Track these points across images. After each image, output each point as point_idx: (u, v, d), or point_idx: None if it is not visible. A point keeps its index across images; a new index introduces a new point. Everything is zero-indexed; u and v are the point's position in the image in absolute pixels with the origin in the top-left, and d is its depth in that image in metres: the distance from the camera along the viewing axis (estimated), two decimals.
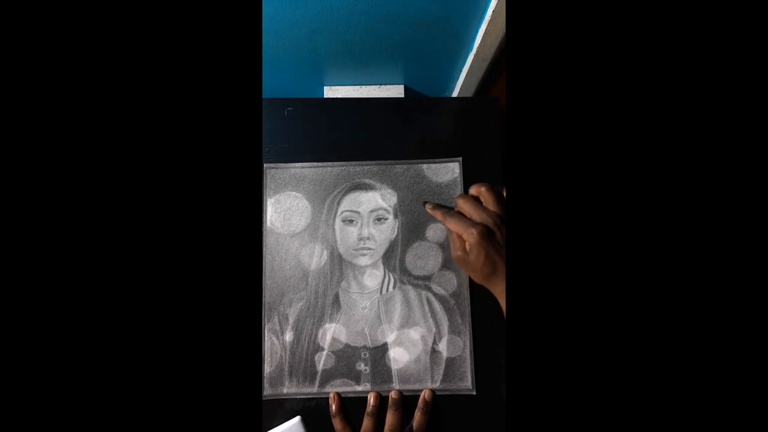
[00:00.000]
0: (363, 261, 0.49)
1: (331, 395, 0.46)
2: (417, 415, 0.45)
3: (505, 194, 0.44)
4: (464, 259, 0.42)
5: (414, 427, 0.45)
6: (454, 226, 0.42)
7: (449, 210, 0.45)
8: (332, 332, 0.47)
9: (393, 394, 0.46)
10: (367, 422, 0.44)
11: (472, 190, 0.44)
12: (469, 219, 0.42)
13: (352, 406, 0.46)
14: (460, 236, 0.42)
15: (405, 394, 0.46)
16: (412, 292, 0.48)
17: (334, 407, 0.45)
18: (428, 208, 0.47)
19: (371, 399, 0.46)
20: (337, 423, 0.45)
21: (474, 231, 0.40)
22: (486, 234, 0.40)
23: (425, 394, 0.46)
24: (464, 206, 0.43)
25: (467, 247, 0.41)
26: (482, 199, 0.44)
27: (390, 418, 0.44)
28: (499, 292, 0.42)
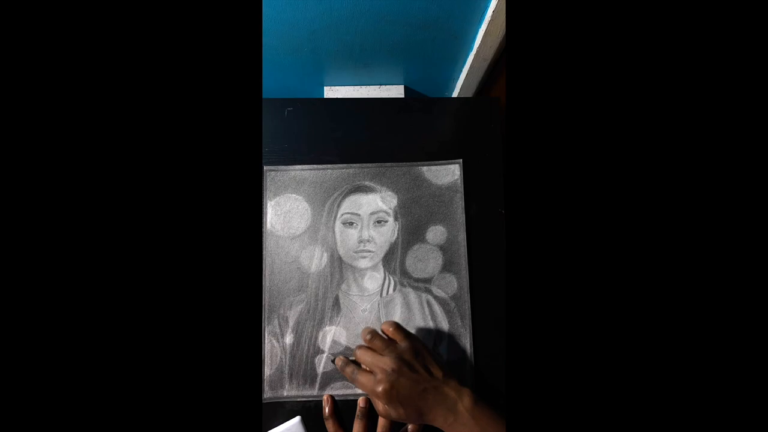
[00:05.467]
0: (363, 263, 0.48)
1: (325, 397, 0.46)
2: None
3: (390, 333, 0.42)
4: (390, 414, 0.39)
5: (409, 430, 0.44)
6: (362, 387, 0.40)
7: (355, 367, 0.42)
8: (332, 335, 0.47)
9: None
10: (357, 425, 0.44)
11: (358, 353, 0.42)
12: (370, 374, 0.40)
13: (351, 408, 0.46)
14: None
15: None
16: (412, 295, 0.48)
17: (327, 410, 0.45)
18: (339, 367, 0.44)
19: (360, 402, 0.45)
20: (330, 426, 0.45)
21: (378, 391, 0.38)
22: (389, 389, 0.38)
23: None
24: (360, 357, 0.41)
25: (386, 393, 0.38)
26: (371, 345, 0.41)
27: (382, 420, 0.44)
28: (441, 424, 0.38)
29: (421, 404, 0.38)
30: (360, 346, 0.42)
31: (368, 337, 0.42)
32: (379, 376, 0.38)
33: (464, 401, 0.38)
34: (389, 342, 0.41)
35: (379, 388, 0.38)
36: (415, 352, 0.40)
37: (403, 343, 0.41)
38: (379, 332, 0.42)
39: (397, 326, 0.43)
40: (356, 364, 0.42)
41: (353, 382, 0.41)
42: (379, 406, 0.39)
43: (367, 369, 0.40)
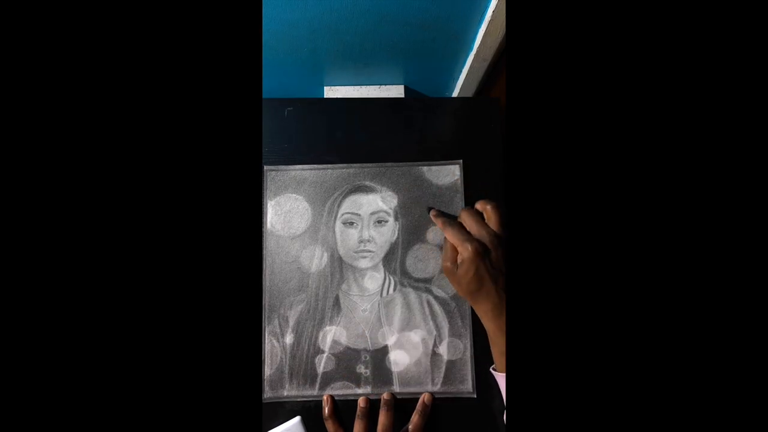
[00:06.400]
0: (363, 263, 0.48)
1: (325, 397, 0.46)
2: (414, 418, 0.45)
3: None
4: (452, 271, 0.41)
5: (410, 430, 0.44)
6: (452, 236, 0.42)
7: (450, 219, 0.44)
8: (332, 335, 0.47)
9: (385, 395, 0.45)
10: (357, 425, 0.44)
11: (478, 205, 0.44)
12: (468, 233, 0.42)
13: (351, 408, 0.46)
14: (454, 247, 0.42)
15: (405, 397, 0.46)
16: (412, 295, 0.48)
17: (326, 410, 0.45)
18: (432, 214, 0.47)
19: (360, 402, 0.45)
20: (329, 426, 0.45)
21: (469, 246, 0.39)
22: (481, 251, 0.39)
23: (425, 398, 0.45)
24: (466, 219, 0.43)
25: (458, 260, 0.41)
26: (485, 216, 0.43)
27: (382, 419, 0.44)
28: (482, 310, 0.41)
29: (487, 284, 0.40)
30: (469, 209, 0.44)
31: (489, 208, 0.43)
32: (476, 239, 0.40)
33: None
34: (503, 227, 0.42)
35: (471, 246, 0.39)
36: None
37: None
38: (500, 215, 0.43)
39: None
40: (454, 220, 0.44)
41: (444, 227, 0.43)
42: (451, 256, 0.41)
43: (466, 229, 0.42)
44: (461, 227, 0.42)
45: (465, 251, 0.40)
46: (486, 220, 0.42)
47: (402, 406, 0.46)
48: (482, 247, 0.40)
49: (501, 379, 0.42)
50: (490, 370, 0.44)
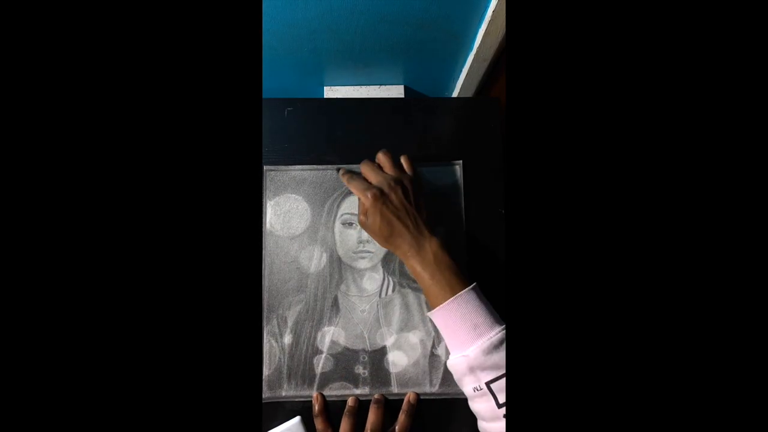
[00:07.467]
0: (362, 264, 0.48)
1: (314, 395, 0.46)
2: (401, 417, 0.45)
3: (403, 161, 0.46)
4: (365, 223, 0.43)
5: (397, 429, 0.44)
6: (355, 189, 0.44)
7: (354, 174, 0.46)
8: (331, 335, 0.47)
9: (376, 395, 0.46)
10: (344, 423, 0.44)
11: (377, 157, 0.46)
12: (368, 182, 0.44)
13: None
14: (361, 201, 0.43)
15: (404, 398, 0.46)
16: (411, 296, 0.48)
17: (316, 407, 0.45)
18: (340, 173, 0.47)
19: (350, 401, 0.46)
20: (318, 423, 0.45)
21: (368, 193, 0.41)
22: (379, 196, 0.41)
23: (410, 397, 0.45)
24: (365, 171, 0.45)
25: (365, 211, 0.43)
26: (380, 164, 0.45)
27: (371, 416, 0.44)
28: (402, 253, 0.42)
29: (396, 225, 0.42)
30: (368, 161, 0.45)
31: (381, 155, 0.45)
32: (375, 185, 0.42)
33: (432, 243, 0.41)
34: (398, 169, 0.45)
35: (370, 193, 0.41)
36: (417, 188, 0.44)
37: (409, 173, 0.45)
38: (391, 159, 0.45)
39: (410, 161, 0.46)
40: (358, 175, 0.45)
41: (348, 182, 0.45)
42: (362, 209, 0.43)
43: (367, 180, 0.44)
44: (363, 179, 0.44)
45: (366, 200, 0.42)
46: (382, 168, 0.45)
47: (398, 406, 0.46)
48: (380, 192, 0.42)
49: (434, 317, 0.41)
50: (427, 314, 0.45)
